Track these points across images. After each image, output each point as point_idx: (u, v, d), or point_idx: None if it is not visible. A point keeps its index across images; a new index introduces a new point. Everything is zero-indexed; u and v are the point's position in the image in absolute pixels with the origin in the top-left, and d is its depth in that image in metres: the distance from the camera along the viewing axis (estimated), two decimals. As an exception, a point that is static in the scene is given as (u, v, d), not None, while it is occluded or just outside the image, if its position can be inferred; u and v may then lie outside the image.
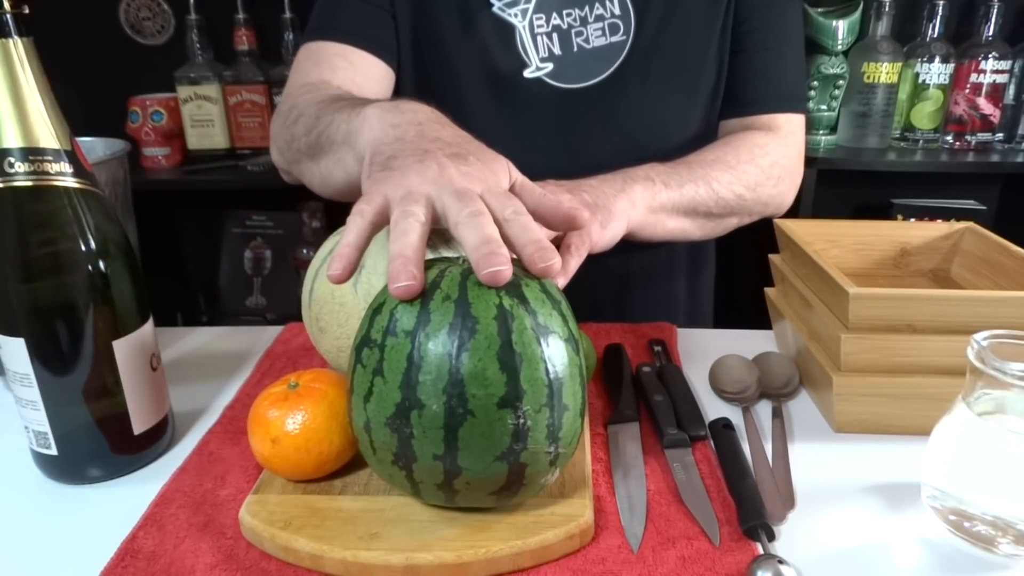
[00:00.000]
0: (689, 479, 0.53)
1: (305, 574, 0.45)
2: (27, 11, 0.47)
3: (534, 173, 0.85)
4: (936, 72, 1.59)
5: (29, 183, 0.48)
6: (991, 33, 1.57)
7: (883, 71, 1.57)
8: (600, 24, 0.81)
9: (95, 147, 0.80)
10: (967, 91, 1.59)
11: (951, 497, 0.48)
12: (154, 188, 1.68)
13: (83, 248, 0.50)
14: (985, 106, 1.59)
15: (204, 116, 1.67)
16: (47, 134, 0.48)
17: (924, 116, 1.63)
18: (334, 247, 0.58)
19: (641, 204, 0.70)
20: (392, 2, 0.83)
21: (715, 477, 0.53)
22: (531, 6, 0.81)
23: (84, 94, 1.50)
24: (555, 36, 0.81)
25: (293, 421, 0.49)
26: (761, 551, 0.46)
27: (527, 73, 0.82)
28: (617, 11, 0.81)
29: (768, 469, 0.54)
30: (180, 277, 1.95)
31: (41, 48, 0.49)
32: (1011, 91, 1.63)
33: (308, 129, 0.66)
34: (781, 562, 0.44)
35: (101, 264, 0.51)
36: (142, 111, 1.65)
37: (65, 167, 0.49)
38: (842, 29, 1.55)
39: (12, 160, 0.48)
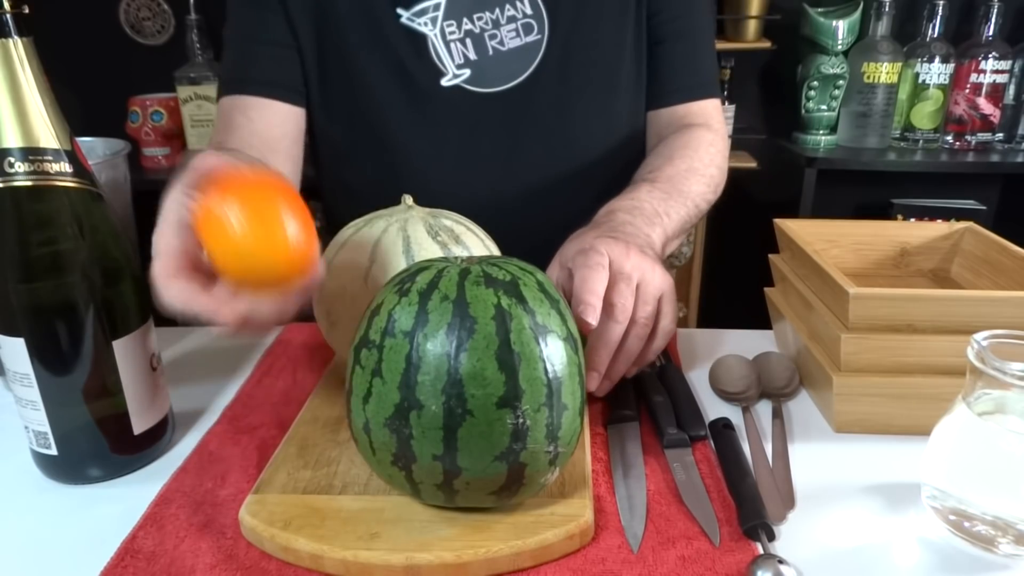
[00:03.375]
0: (689, 479, 0.53)
1: (305, 574, 0.45)
2: (27, 11, 0.47)
3: (467, 184, 0.84)
4: (936, 72, 1.59)
5: (29, 183, 0.48)
6: (991, 33, 1.57)
7: (883, 71, 1.58)
8: (513, 25, 0.79)
9: (95, 147, 0.80)
10: (967, 91, 1.59)
11: (951, 497, 0.48)
12: (154, 188, 1.65)
13: (83, 248, 0.50)
14: (985, 106, 1.59)
15: (204, 116, 1.68)
16: (47, 134, 0.48)
17: (924, 116, 1.63)
18: (346, 240, 0.58)
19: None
20: (293, 31, 0.80)
21: (715, 477, 0.53)
22: (440, 13, 0.79)
23: (84, 94, 1.50)
24: (468, 41, 0.80)
25: (237, 212, 0.44)
26: (761, 551, 0.46)
27: (444, 82, 0.80)
28: (529, 11, 0.79)
29: (768, 469, 0.54)
30: (180, 277, 1.94)
31: (41, 48, 0.49)
32: (1011, 91, 1.63)
33: None
34: (781, 562, 0.44)
35: (101, 264, 0.51)
36: (142, 111, 1.65)
37: (65, 167, 0.49)
38: (842, 29, 1.55)
39: (12, 160, 0.48)
